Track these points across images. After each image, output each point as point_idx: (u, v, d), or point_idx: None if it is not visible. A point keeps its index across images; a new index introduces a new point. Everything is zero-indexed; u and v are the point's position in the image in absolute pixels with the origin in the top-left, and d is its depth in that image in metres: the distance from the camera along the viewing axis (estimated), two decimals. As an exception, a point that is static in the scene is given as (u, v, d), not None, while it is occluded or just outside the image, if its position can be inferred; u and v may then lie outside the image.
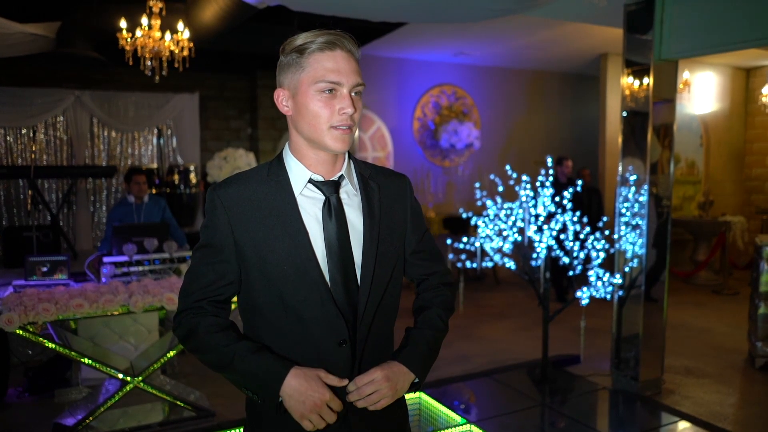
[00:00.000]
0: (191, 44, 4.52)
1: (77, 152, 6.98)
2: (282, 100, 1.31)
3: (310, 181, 1.31)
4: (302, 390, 1.21)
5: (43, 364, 4.42)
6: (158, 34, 4.35)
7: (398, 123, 7.84)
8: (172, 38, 4.42)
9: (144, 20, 4.29)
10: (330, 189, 1.31)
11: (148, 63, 4.47)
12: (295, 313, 1.29)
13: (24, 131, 6.82)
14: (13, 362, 4.44)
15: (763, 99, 7.81)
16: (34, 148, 6.40)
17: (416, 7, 3.21)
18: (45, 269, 4.18)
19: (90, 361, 3.48)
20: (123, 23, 4.30)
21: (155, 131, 7.43)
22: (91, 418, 3.57)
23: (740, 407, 3.95)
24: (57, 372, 4.34)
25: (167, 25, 4.53)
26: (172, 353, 3.77)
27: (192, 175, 6.59)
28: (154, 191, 6.48)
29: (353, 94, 1.27)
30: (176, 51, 4.45)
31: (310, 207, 1.30)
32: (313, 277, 1.28)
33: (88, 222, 7.01)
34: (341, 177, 1.34)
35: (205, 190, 7.00)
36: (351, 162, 1.39)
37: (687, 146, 8.37)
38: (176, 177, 6.57)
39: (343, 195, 1.33)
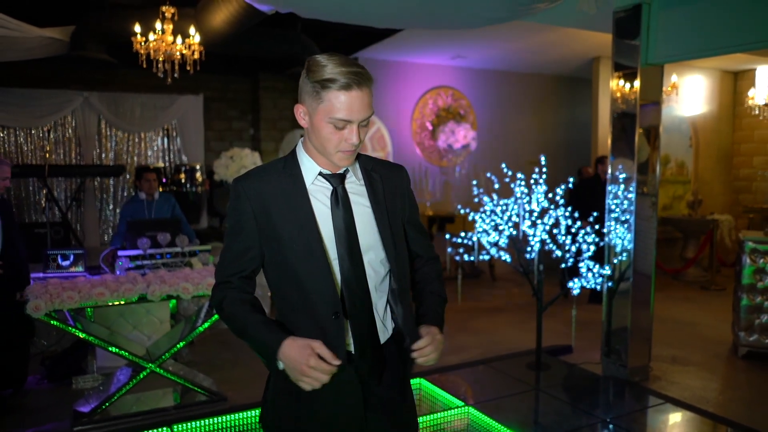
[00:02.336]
0: (201, 48, 4.73)
1: (85, 152, 7.17)
2: (301, 113, 1.50)
3: (320, 174, 1.53)
4: (293, 357, 1.42)
5: (59, 354, 4.62)
6: (170, 38, 4.56)
7: (397, 124, 8.06)
8: (183, 42, 4.63)
9: (158, 25, 4.49)
10: (337, 180, 1.52)
11: (161, 66, 4.67)
12: (302, 287, 1.51)
13: (34, 131, 7.00)
14: (31, 352, 4.62)
15: (750, 101, 8.07)
16: (48, 148, 6.59)
17: (417, 15, 3.43)
18: (67, 262, 4.38)
19: (114, 349, 3.69)
20: (137, 28, 4.51)
21: (160, 131, 7.63)
22: (107, 404, 3.77)
23: (722, 392, 4.19)
24: (74, 361, 4.53)
25: (178, 30, 4.74)
26: (182, 343, 3.98)
27: (198, 174, 6.79)
28: (160, 189, 6.68)
29: (361, 124, 1.47)
30: (188, 54, 4.66)
31: (320, 196, 1.52)
32: (318, 255, 1.49)
33: (95, 219, 7.20)
34: (346, 170, 1.56)
35: (210, 189, 7.21)
36: (368, 159, 1.62)
37: (677, 147, 8.62)
38: (183, 176, 6.77)
39: (348, 185, 1.55)
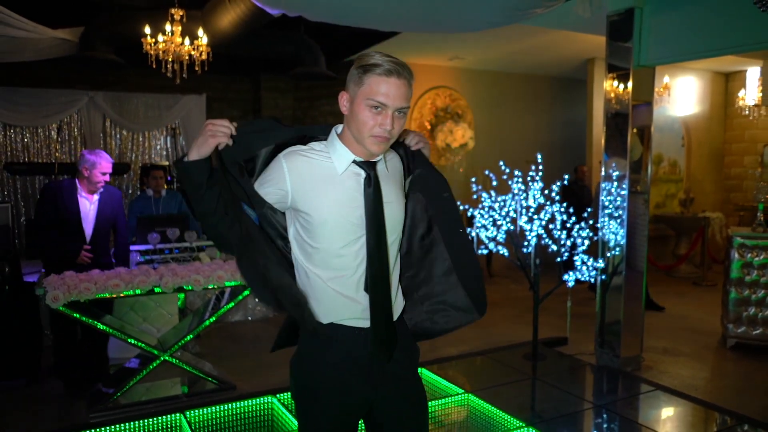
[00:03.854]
0: (209, 49, 4.88)
1: (90, 150, 7.30)
2: (344, 101, 1.64)
3: (354, 161, 1.67)
4: (197, 139, 1.57)
5: (75, 359, 4.50)
6: (179, 40, 4.71)
7: (396, 123, 8.21)
8: (192, 43, 4.78)
9: (167, 27, 4.64)
10: (370, 167, 1.67)
11: (169, 66, 4.82)
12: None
13: (40, 130, 7.13)
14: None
15: (741, 102, 8.27)
16: (57, 147, 6.71)
17: (419, 19, 3.59)
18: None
19: (132, 340, 3.84)
20: (147, 29, 4.66)
21: (164, 131, 7.76)
22: (120, 393, 3.92)
23: (710, 380, 4.37)
24: (85, 353, 4.59)
25: (186, 31, 4.89)
26: (192, 335, 4.13)
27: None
28: (165, 187, 6.81)
29: (397, 113, 1.59)
30: (196, 55, 4.81)
31: (353, 180, 1.66)
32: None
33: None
34: (379, 160, 1.71)
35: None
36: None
37: (669, 147, 8.82)
38: (187, 174, 6.90)
39: (379, 171, 1.69)
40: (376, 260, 1.65)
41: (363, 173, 1.66)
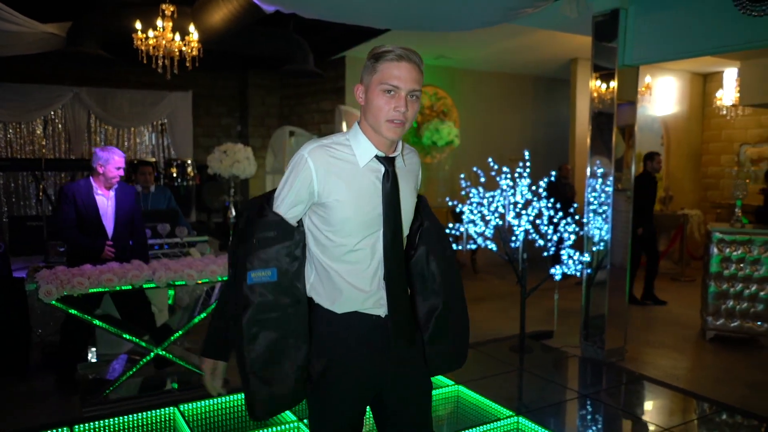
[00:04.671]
0: (200, 45, 4.89)
1: (75, 147, 7.25)
2: (359, 92, 1.70)
3: (375, 156, 1.71)
4: None
5: (60, 342, 4.70)
6: (170, 35, 4.72)
7: (383, 121, 8.28)
8: (183, 39, 4.79)
9: (159, 22, 4.65)
10: (389, 162, 1.72)
11: (160, 62, 4.82)
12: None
13: (24, 126, 7.06)
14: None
15: (718, 102, 8.49)
16: (43, 143, 6.66)
17: (416, 17, 3.66)
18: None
19: (127, 335, 3.85)
20: (138, 25, 4.66)
21: (150, 127, 7.74)
22: (112, 387, 3.93)
23: (691, 370, 4.52)
24: (75, 349, 4.63)
25: (176, 27, 4.89)
26: (181, 331, 4.15)
27: (189, 169, 6.93)
28: (153, 182, 6.80)
29: (410, 97, 1.65)
30: (187, 51, 4.82)
31: (373, 174, 1.71)
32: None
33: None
34: (397, 155, 1.76)
35: (200, 183, 7.35)
36: (402, 145, 1.83)
37: (649, 145, 8.98)
38: (174, 170, 6.90)
39: (396, 167, 1.74)
40: (392, 253, 1.71)
41: (382, 169, 1.71)
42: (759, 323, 4.97)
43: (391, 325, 1.73)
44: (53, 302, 3.58)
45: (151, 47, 4.76)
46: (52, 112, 7.15)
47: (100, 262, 3.98)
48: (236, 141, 8.39)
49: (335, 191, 1.65)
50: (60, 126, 7.26)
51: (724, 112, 8.49)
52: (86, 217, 4.14)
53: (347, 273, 1.70)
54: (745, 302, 5.02)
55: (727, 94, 8.32)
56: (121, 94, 7.45)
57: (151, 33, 4.76)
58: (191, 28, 4.77)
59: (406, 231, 1.78)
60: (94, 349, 4.71)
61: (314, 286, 1.75)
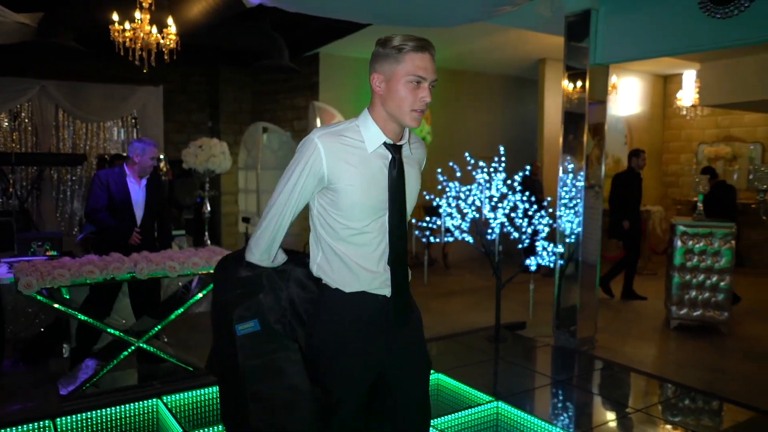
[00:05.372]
0: (178, 38, 4.87)
1: (42, 141, 7.09)
2: (377, 82, 1.74)
3: (384, 143, 1.77)
4: None
5: (33, 337, 4.65)
6: (148, 28, 4.68)
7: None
8: (162, 32, 4.76)
9: (137, 14, 4.61)
10: (396, 150, 1.79)
11: (137, 55, 4.78)
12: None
13: (-12, 119, 6.88)
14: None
15: (678, 103, 8.84)
16: (14, 137, 6.49)
17: (401, 12, 3.74)
18: (41, 248, 4.45)
19: (111, 330, 3.83)
20: (115, 16, 4.61)
21: (120, 122, 7.62)
22: (89, 382, 3.89)
23: (657, 357, 4.73)
24: (48, 344, 4.59)
25: (154, 20, 4.86)
26: (160, 326, 4.14)
27: (162, 164, 6.86)
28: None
29: (430, 86, 1.74)
30: (164, 44, 4.80)
31: (381, 161, 1.77)
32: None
33: (52, 207, 7.14)
34: (404, 144, 1.83)
35: (173, 179, 7.28)
36: (409, 134, 1.89)
37: (613, 144, 9.31)
38: (147, 165, 6.82)
39: (403, 154, 1.81)
40: (397, 236, 1.79)
41: (389, 156, 1.77)
42: (719, 312, 5.23)
43: (392, 305, 1.81)
44: (33, 294, 3.53)
45: (128, 39, 4.72)
46: (18, 105, 6.98)
47: (126, 250, 4.10)
48: (208, 137, 8.35)
49: (345, 176, 1.71)
50: (26, 120, 7.09)
51: (684, 113, 8.85)
52: (118, 203, 4.27)
53: (356, 254, 1.76)
54: (706, 292, 5.28)
55: (687, 95, 8.67)
56: (89, 87, 7.31)
57: (128, 25, 4.71)
58: (169, 20, 4.74)
59: (410, 215, 1.86)
60: (66, 345, 4.65)
61: (321, 266, 1.81)
